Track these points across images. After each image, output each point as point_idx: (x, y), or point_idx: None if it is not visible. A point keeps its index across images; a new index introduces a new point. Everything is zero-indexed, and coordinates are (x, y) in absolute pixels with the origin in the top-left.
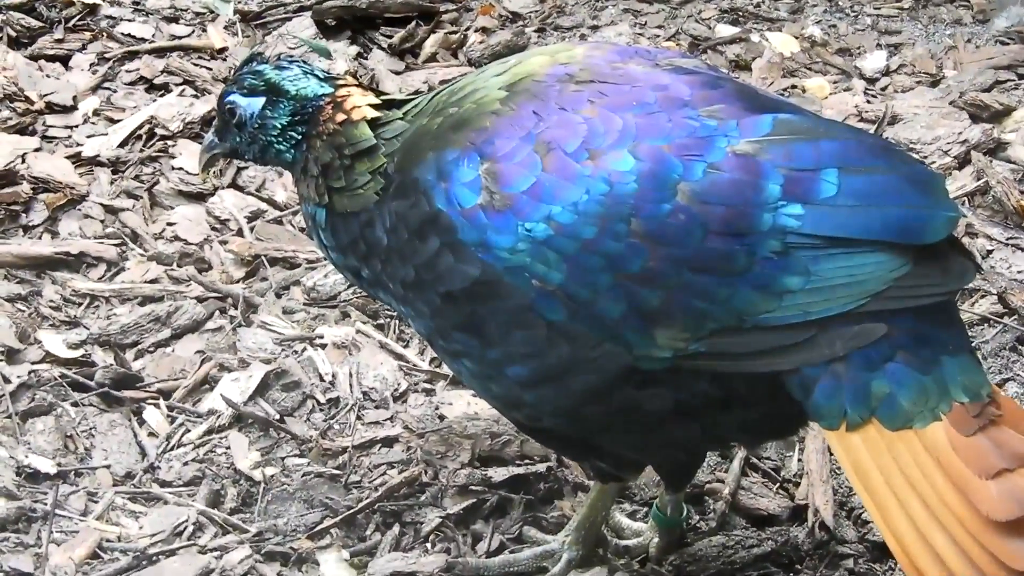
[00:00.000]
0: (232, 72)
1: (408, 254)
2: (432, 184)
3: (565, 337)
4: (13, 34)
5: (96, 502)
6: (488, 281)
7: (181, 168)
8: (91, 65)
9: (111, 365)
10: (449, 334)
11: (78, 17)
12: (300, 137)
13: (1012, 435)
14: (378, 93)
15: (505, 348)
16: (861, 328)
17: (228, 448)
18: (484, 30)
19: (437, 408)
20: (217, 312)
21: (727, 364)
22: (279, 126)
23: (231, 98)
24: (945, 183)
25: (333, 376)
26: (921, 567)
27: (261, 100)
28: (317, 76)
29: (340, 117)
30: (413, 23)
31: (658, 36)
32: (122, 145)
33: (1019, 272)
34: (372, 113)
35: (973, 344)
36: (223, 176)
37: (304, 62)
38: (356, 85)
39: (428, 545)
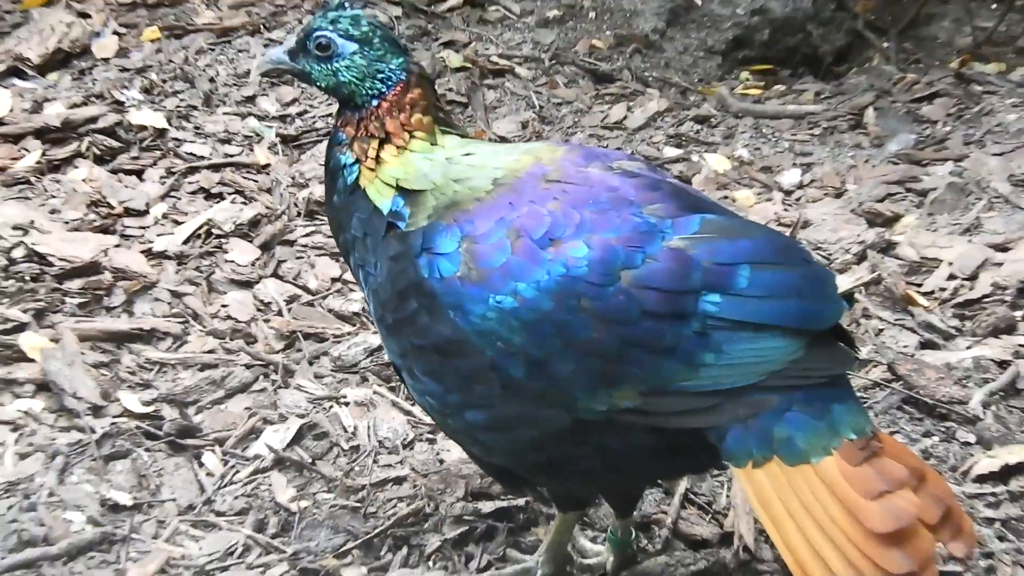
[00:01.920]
0: (328, 5)
1: (390, 306)
2: (419, 253)
3: (517, 396)
4: (98, 152)
5: (164, 528)
6: (457, 340)
7: (233, 261)
8: (160, 178)
9: (176, 419)
10: (416, 376)
11: (150, 139)
12: (376, 94)
13: (891, 464)
14: (436, 100)
15: (465, 396)
16: (760, 398)
17: (270, 485)
18: None
19: (438, 454)
20: (261, 376)
21: (651, 419)
22: (364, 71)
23: (327, 34)
24: (836, 281)
25: (354, 428)
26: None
27: (355, 45)
28: (401, 48)
29: (410, 100)
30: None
31: None
32: (185, 242)
33: (904, 347)
34: (431, 121)
35: (867, 404)
36: (268, 266)
37: (391, 32)
38: (426, 77)
39: (430, 563)
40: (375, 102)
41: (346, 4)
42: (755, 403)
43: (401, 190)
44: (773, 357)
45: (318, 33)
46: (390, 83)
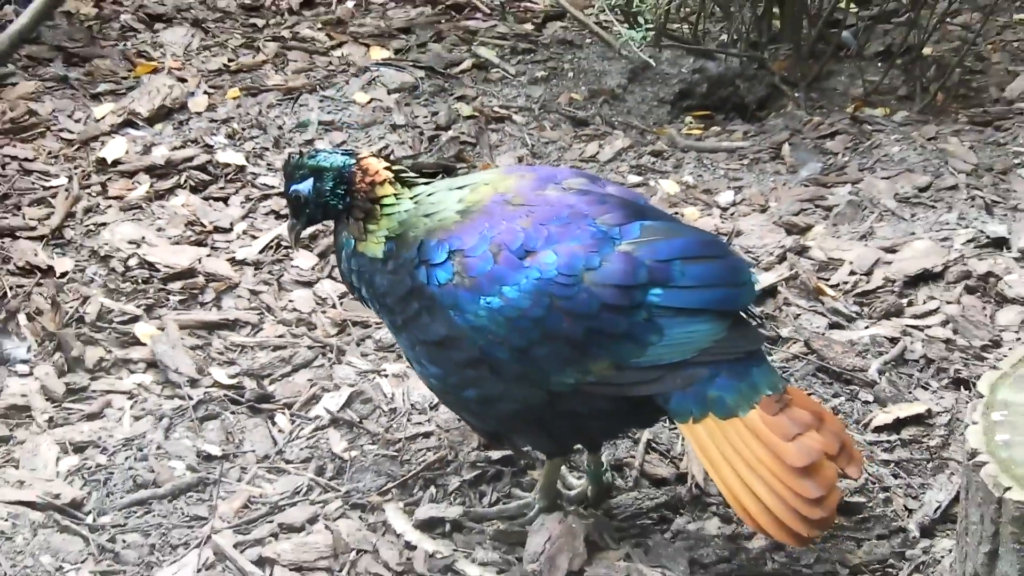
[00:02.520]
0: (283, 173)
1: (397, 310)
2: (416, 264)
3: (502, 376)
4: (193, 184)
5: (246, 473)
6: (453, 335)
7: (297, 266)
8: (241, 203)
9: (254, 388)
10: (423, 364)
11: (233, 174)
12: (344, 193)
13: (800, 411)
14: (391, 163)
15: (461, 378)
16: (693, 371)
17: (328, 439)
18: None
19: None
20: (320, 355)
21: (610, 390)
22: (328, 190)
23: (293, 189)
24: (749, 268)
25: (392, 394)
26: (748, 507)
27: (311, 180)
28: (340, 153)
29: (368, 179)
30: (440, 175)
31: None
32: (260, 252)
33: (817, 327)
34: (390, 176)
35: (788, 372)
36: (325, 270)
37: (326, 149)
38: (372, 156)
39: (451, 499)
40: (347, 199)
41: (292, 158)
42: (689, 376)
43: (388, 239)
44: (702, 337)
45: (290, 195)
46: (346, 179)
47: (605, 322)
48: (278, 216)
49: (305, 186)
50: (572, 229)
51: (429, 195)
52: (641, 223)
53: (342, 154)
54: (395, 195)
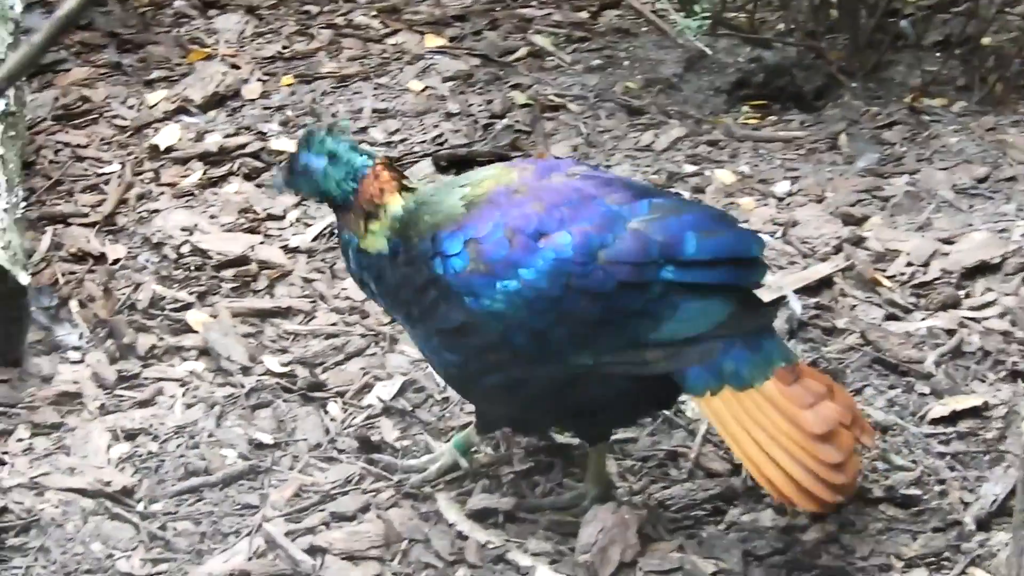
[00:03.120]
0: (302, 136)
1: (412, 301)
2: (431, 255)
3: (522, 360)
4: (247, 171)
5: (298, 462)
6: (472, 322)
7: None
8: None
9: (307, 376)
10: (440, 353)
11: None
12: (348, 190)
13: (811, 382)
14: (399, 175)
15: (482, 364)
16: (709, 346)
17: (380, 428)
18: None
19: None
20: (373, 343)
21: (627, 368)
22: (336, 180)
23: (305, 158)
24: (762, 242)
25: (445, 384)
26: (771, 477)
27: (325, 160)
28: (360, 152)
29: (378, 185)
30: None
31: (647, 171)
32: (313, 240)
33: (873, 319)
34: (398, 190)
35: (844, 364)
36: None
37: (351, 141)
38: (388, 164)
39: (504, 489)
40: (351, 197)
41: (316, 130)
42: (705, 350)
43: (391, 236)
44: (717, 312)
45: (297, 160)
46: (357, 179)
47: (621, 300)
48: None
49: (319, 163)
50: (582, 210)
51: (431, 194)
52: (650, 200)
53: (362, 154)
54: (401, 201)
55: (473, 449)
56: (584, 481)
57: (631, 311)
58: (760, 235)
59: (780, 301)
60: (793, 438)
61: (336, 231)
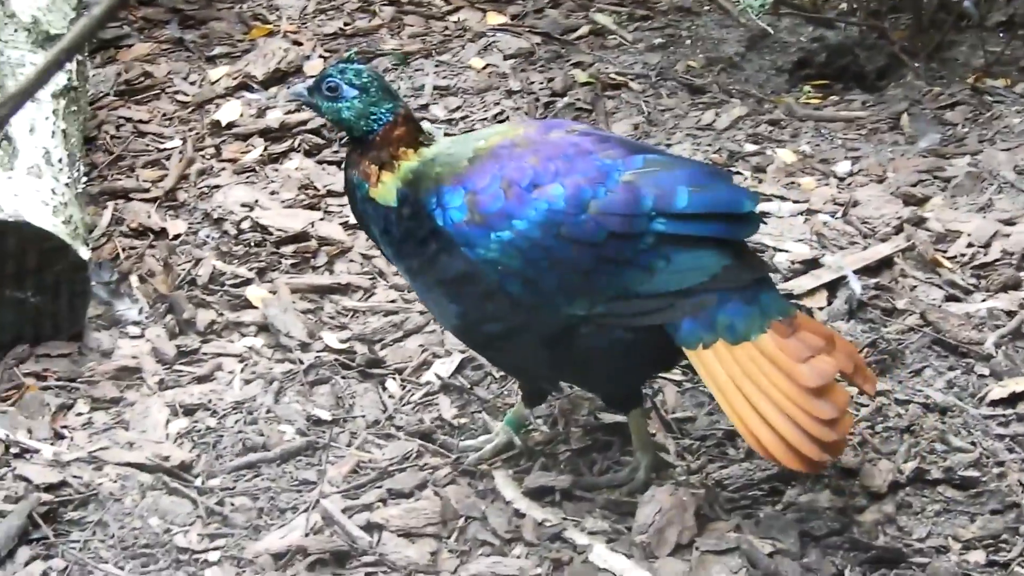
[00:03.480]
0: (340, 61)
1: (415, 253)
2: (434, 208)
3: (518, 309)
4: (307, 148)
5: (355, 438)
6: (470, 272)
7: None
8: None
9: (365, 353)
10: (442, 303)
11: (346, 138)
12: (368, 130)
13: (809, 335)
14: (417, 128)
15: (480, 313)
16: (702, 298)
17: (438, 405)
18: None
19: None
20: (431, 321)
21: (620, 320)
22: (360, 113)
23: (337, 80)
24: (755, 198)
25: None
26: (758, 434)
27: (356, 91)
28: (392, 95)
29: (396, 132)
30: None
31: (708, 150)
32: None
33: (933, 299)
34: (414, 145)
35: (903, 344)
36: None
37: (386, 85)
38: (409, 116)
39: (561, 467)
40: (370, 136)
41: (354, 59)
42: (699, 302)
43: (401, 187)
44: (710, 264)
45: (329, 79)
46: (380, 122)
47: (612, 249)
48: None
49: (349, 91)
50: (577, 163)
51: (448, 148)
52: (644, 156)
53: (393, 99)
54: (415, 158)
55: (528, 426)
56: (636, 453)
57: (622, 261)
58: (755, 192)
59: (840, 281)
60: (785, 392)
61: (344, 166)
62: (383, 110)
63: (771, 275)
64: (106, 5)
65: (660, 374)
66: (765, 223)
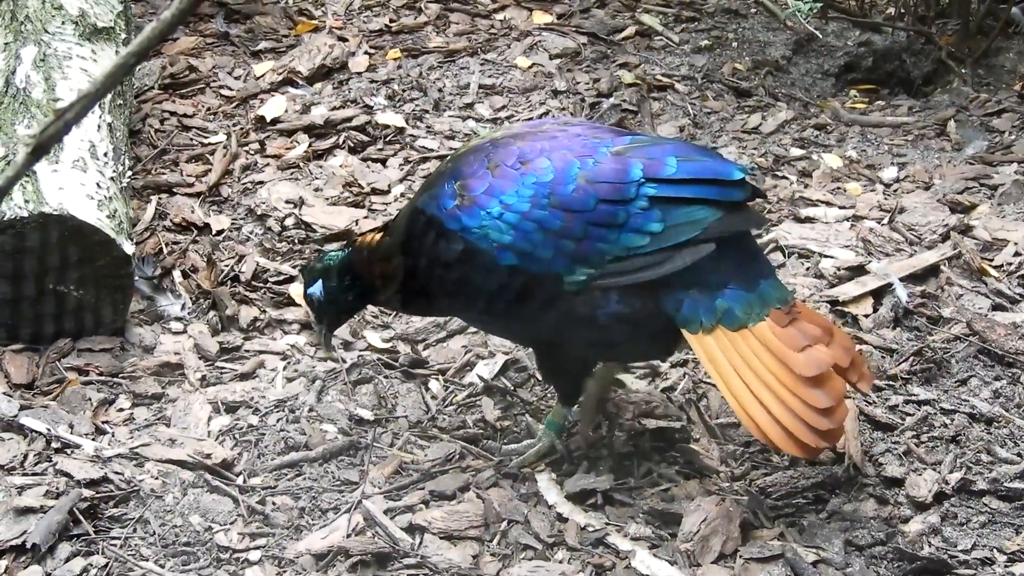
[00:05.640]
0: (300, 281)
1: (419, 247)
2: (428, 204)
3: (520, 281)
4: (352, 145)
5: (398, 439)
6: (468, 249)
7: None
8: (399, 165)
9: (408, 353)
10: (448, 287)
11: (392, 135)
12: (352, 283)
13: (807, 324)
14: (377, 228)
15: (486, 287)
16: (699, 246)
17: (480, 407)
18: None
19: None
20: None
21: (622, 279)
22: (339, 286)
23: (308, 293)
24: (744, 169)
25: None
26: (757, 418)
27: (320, 283)
28: (336, 250)
29: (366, 248)
30: None
31: (753, 153)
32: None
33: (980, 308)
34: (378, 236)
35: (949, 353)
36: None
37: (327, 253)
38: (360, 234)
39: (602, 469)
40: (362, 290)
41: (302, 271)
42: (696, 250)
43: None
44: (702, 218)
45: (307, 297)
46: (352, 270)
47: (603, 215)
48: None
49: (316, 288)
50: (565, 142)
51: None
52: (632, 136)
53: (338, 250)
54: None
55: (570, 428)
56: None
57: (616, 225)
58: (746, 165)
59: (886, 288)
60: (782, 379)
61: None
62: (342, 258)
63: (772, 264)
64: (177, 8)
65: (657, 359)
66: (763, 196)
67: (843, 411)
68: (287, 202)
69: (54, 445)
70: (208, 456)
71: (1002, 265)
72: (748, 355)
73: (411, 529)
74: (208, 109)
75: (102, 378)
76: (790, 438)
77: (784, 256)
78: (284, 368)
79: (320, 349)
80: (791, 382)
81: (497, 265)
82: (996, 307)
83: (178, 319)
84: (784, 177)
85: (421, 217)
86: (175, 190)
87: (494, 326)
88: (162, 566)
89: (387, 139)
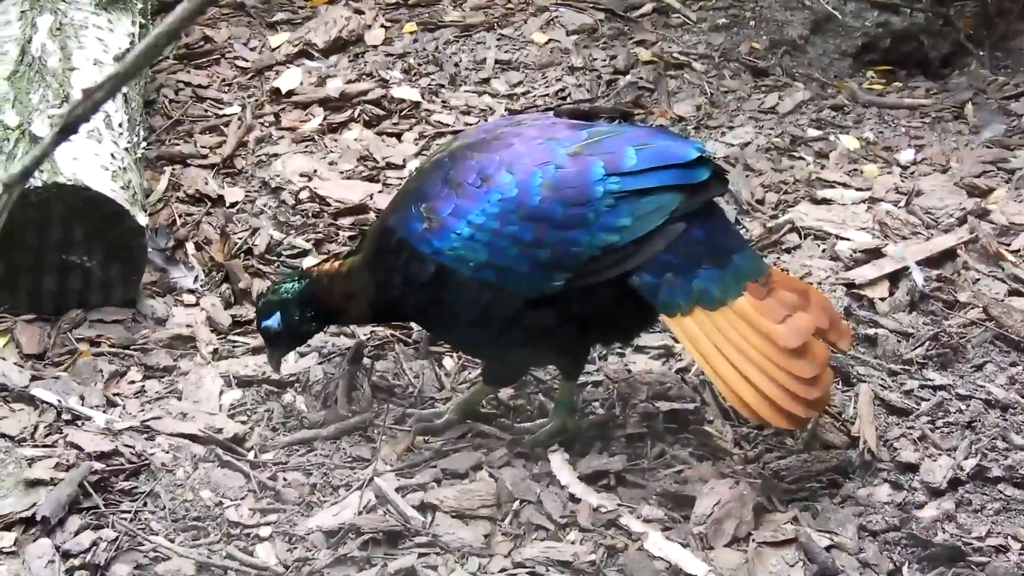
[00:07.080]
0: (256, 312)
1: (390, 272)
2: (397, 226)
3: (499, 296)
4: (367, 118)
5: (410, 415)
6: (440, 272)
7: None
8: (414, 140)
9: (422, 329)
10: (425, 312)
11: (407, 110)
12: (313, 315)
13: (785, 293)
14: (335, 256)
15: (463, 309)
16: (670, 228)
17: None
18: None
19: (626, 365)
20: None
21: (598, 276)
22: (299, 317)
23: (264, 325)
24: (702, 147)
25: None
26: (744, 396)
27: (278, 314)
28: (294, 279)
29: (326, 281)
30: (617, 120)
31: (770, 133)
32: None
33: (996, 293)
34: (338, 263)
35: (965, 338)
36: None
37: (284, 279)
38: (318, 263)
39: (615, 450)
40: (320, 317)
41: (259, 300)
42: (668, 232)
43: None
44: (670, 201)
45: (263, 328)
46: (311, 300)
47: (573, 218)
48: None
49: (274, 320)
50: (521, 149)
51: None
52: (589, 129)
53: (295, 279)
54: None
55: (583, 409)
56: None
57: (587, 225)
58: (699, 141)
59: (903, 272)
60: (766, 353)
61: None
62: (302, 292)
63: (743, 234)
64: None
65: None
66: (724, 172)
67: (828, 377)
68: (301, 175)
69: (65, 417)
70: (219, 431)
71: (1019, 250)
72: (729, 332)
73: (423, 507)
74: (223, 80)
75: (114, 350)
76: (779, 412)
77: (800, 238)
78: None
79: (275, 371)
80: (775, 355)
81: (473, 283)
82: (1013, 292)
83: (191, 291)
84: (801, 158)
85: (391, 239)
86: (189, 161)
87: (470, 344)
88: (172, 540)
89: (402, 113)
